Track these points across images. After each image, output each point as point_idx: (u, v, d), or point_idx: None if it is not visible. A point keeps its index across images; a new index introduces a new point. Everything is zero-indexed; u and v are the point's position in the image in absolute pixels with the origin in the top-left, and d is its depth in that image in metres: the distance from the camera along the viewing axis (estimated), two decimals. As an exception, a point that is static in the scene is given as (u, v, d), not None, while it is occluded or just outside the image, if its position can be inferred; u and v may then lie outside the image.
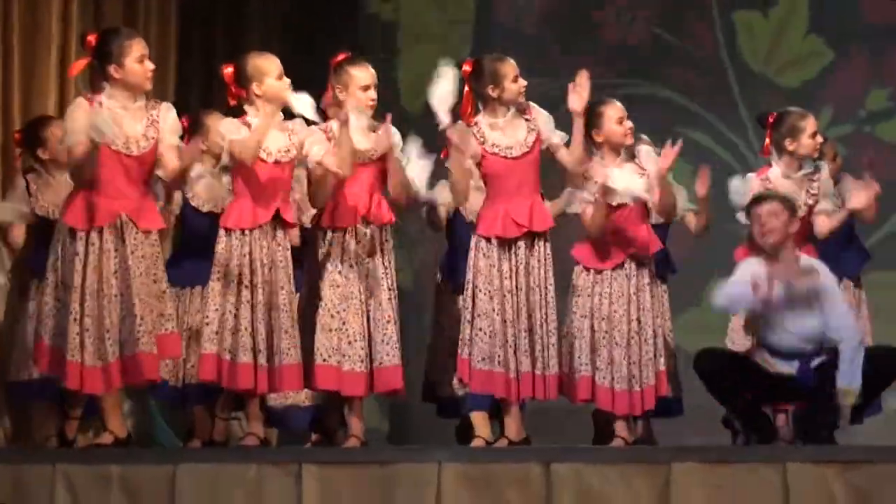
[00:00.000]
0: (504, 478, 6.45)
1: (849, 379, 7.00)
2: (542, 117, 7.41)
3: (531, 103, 7.45)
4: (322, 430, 7.93)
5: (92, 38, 7.15)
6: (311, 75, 7.76)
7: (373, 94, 7.30)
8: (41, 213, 7.89)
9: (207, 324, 7.20)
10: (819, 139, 7.65)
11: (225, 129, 7.17)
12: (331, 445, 7.62)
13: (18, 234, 8.07)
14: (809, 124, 7.59)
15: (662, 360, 7.50)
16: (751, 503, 6.23)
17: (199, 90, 10.53)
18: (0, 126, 8.97)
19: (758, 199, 7.22)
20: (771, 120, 7.69)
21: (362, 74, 7.30)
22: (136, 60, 7.02)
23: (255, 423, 7.37)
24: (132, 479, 6.75)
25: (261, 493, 6.63)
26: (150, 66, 7.09)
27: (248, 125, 7.18)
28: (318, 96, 7.40)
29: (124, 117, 7.01)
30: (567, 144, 7.40)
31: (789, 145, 7.57)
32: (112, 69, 7.01)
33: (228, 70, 7.29)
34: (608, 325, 7.41)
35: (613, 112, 7.50)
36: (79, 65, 7.44)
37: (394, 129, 7.35)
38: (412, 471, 6.55)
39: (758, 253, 7.27)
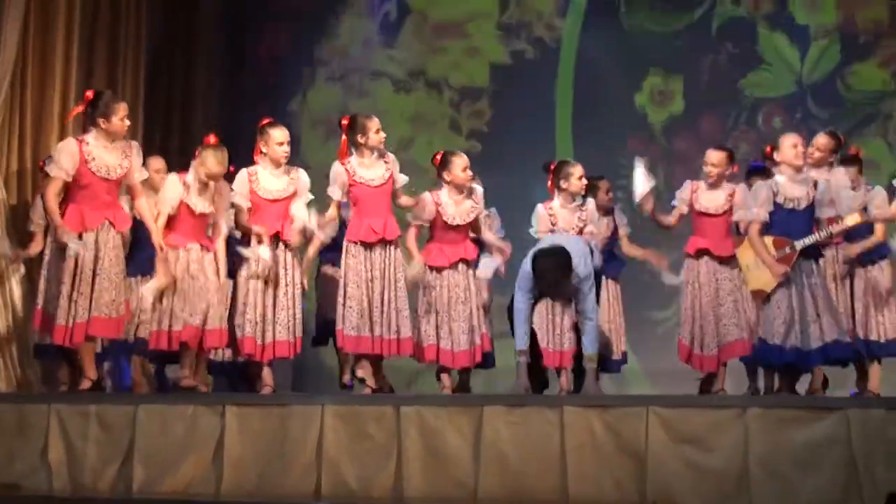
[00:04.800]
0: (367, 415, 7.23)
1: (590, 348, 7.92)
2: (394, 162, 8.22)
3: (389, 153, 8.25)
4: (247, 379, 8.60)
5: (90, 94, 7.98)
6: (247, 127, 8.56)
7: (286, 148, 8.17)
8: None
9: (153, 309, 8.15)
10: (584, 181, 8.47)
11: (168, 191, 8.13)
12: (253, 391, 8.28)
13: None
14: (577, 170, 8.46)
15: (484, 326, 8.43)
16: (538, 435, 6.99)
17: (161, 132, 11.32)
18: (17, 153, 9.58)
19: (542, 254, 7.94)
20: (552, 167, 8.55)
21: (278, 134, 8.19)
22: (119, 118, 7.90)
23: (197, 375, 8.21)
24: (105, 415, 7.55)
25: (196, 425, 7.43)
26: (127, 122, 7.95)
27: (186, 183, 8.16)
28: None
29: (105, 152, 7.88)
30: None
31: (563, 185, 8.45)
32: (101, 121, 7.88)
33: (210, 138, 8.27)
34: (449, 306, 8.31)
35: (461, 161, 8.39)
36: (75, 111, 8.19)
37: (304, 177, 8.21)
38: (303, 410, 7.32)
39: None
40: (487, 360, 8.61)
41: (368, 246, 8.19)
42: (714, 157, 8.68)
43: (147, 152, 8.45)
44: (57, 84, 9.94)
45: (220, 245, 8.36)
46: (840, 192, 8.02)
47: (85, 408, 7.60)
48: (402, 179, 8.32)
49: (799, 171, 7.77)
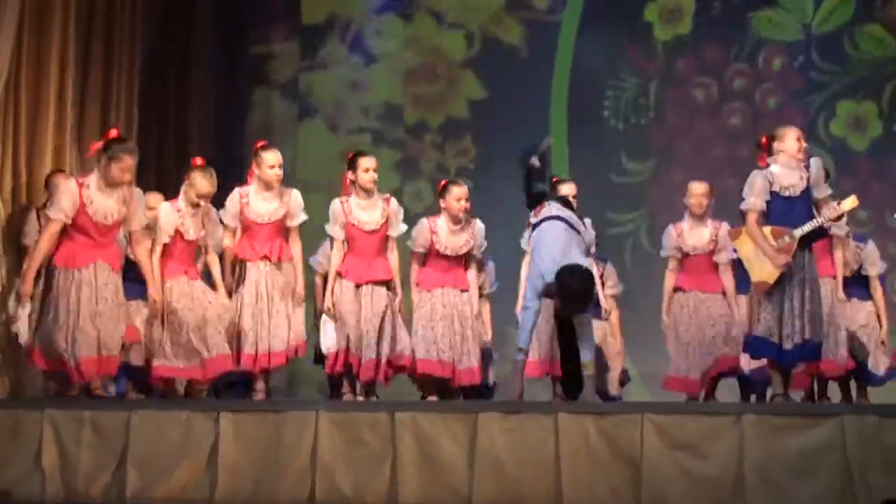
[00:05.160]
0: (361, 422, 7.25)
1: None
2: (397, 211, 8.24)
3: (392, 198, 8.29)
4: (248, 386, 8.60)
5: (114, 133, 8.05)
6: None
7: (278, 171, 8.21)
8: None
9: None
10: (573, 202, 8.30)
11: (164, 219, 8.18)
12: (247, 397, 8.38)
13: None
14: (566, 188, 8.51)
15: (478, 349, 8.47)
16: (533, 441, 7.00)
17: (157, 133, 11.37)
18: (11, 177, 9.53)
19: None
20: (554, 180, 8.52)
21: (271, 157, 8.23)
22: (119, 168, 7.88)
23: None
24: (99, 420, 7.54)
25: (190, 430, 7.43)
26: (127, 176, 7.91)
27: (179, 209, 8.20)
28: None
29: (103, 197, 7.87)
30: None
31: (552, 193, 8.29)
32: (103, 162, 7.90)
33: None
34: (452, 323, 8.36)
35: (459, 191, 8.38)
36: (94, 147, 8.18)
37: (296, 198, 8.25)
38: (298, 416, 7.34)
39: None
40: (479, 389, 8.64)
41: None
42: (697, 188, 8.82)
43: (144, 153, 8.45)
44: (52, 86, 9.93)
45: (214, 261, 8.42)
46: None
47: (79, 413, 7.61)
48: (399, 228, 8.33)
49: (798, 162, 7.73)
